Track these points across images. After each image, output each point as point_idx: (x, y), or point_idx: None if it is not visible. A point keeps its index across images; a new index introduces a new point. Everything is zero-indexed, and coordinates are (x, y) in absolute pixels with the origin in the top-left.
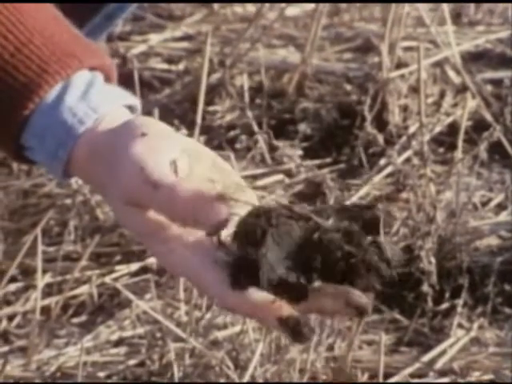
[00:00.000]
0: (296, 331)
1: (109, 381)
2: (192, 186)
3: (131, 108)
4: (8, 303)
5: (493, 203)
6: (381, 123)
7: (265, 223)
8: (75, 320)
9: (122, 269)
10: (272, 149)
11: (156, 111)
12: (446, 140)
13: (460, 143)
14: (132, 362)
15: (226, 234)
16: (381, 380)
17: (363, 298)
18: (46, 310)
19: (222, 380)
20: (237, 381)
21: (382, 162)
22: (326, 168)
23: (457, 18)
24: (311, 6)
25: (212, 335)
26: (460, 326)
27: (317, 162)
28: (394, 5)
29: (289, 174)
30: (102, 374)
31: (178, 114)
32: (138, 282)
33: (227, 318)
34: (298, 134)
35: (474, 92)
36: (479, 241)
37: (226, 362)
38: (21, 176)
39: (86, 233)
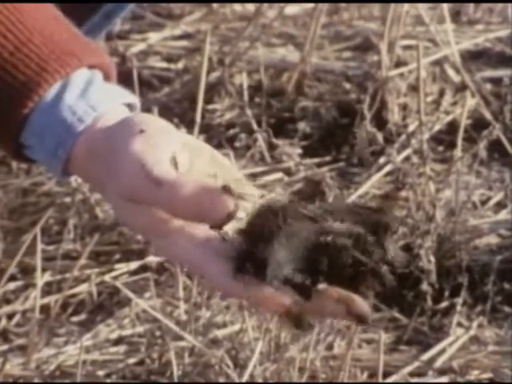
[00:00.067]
0: (298, 321)
1: (108, 380)
2: (194, 180)
3: (130, 106)
4: (7, 302)
5: (492, 202)
6: (380, 122)
7: (279, 220)
8: (75, 318)
9: (122, 267)
10: (271, 147)
11: (155, 110)
12: (445, 138)
13: (459, 142)
14: (131, 360)
15: (229, 227)
16: (380, 379)
17: (365, 308)
18: (45, 309)
19: (222, 378)
20: (236, 379)
21: (382, 160)
22: (326, 166)
23: (456, 16)
24: (310, 4)
25: (211, 334)
26: (459, 324)
27: (316, 160)
28: (393, 3)
29: (288, 172)
30: (101, 373)
31: (178, 112)
32: (138, 281)
33: (227, 316)
34: (297, 132)
35: (473, 90)
36: (479, 239)
37: (226, 361)
38: (20, 174)
39: (86, 231)
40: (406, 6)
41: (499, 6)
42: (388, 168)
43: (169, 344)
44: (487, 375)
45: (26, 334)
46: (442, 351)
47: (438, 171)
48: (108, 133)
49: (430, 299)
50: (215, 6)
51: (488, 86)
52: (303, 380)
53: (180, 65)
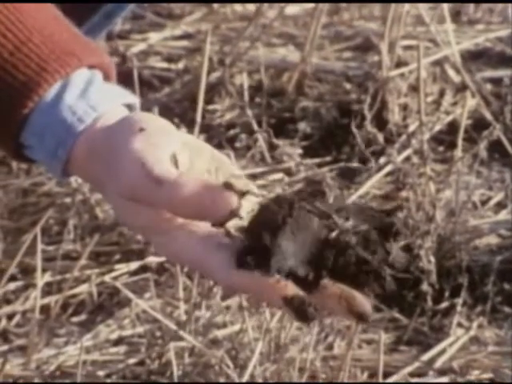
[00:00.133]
0: (300, 311)
1: (108, 380)
2: (195, 178)
3: (130, 106)
4: (7, 302)
5: (492, 202)
6: (381, 122)
7: (286, 213)
8: (75, 319)
9: (122, 268)
10: (272, 147)
11: (156, 110)
12: (445, 139)
13: (460, 142)
14: (131, 360)
15: (231, 225)
16: (380, 379)
17: (366, 306)
18: (45, 309)
19: (222, 379)
20: (236, 380)
21: (382, 160)
22: (326, 167)
23: (456, 16)
24: (311, 4)
25: (211, 334)
26: (459, 324)
27: (316, 160)
28: (393, 3)
29: (288, 172)
30: (101, 373)
31: (178, 112)
32: (138, 281)
33: (227, 316)
34: (297, 132)
35: (473, 91)
36: (479, 240)
37: (226, 361)
38: (20, 175)
39: (86, 232)
40: (407, 6)
41: (499, 5)
42: (388, 168)
43: (169, 344)
44: (487, 375)
45: (26, 334)
46: (443, 351)
47: (438, 171)
48: (108, 132)
49: (430, 299)
50: (216, 6)
51: (488, 86)
52: (303, 380)
53: (180, 65)
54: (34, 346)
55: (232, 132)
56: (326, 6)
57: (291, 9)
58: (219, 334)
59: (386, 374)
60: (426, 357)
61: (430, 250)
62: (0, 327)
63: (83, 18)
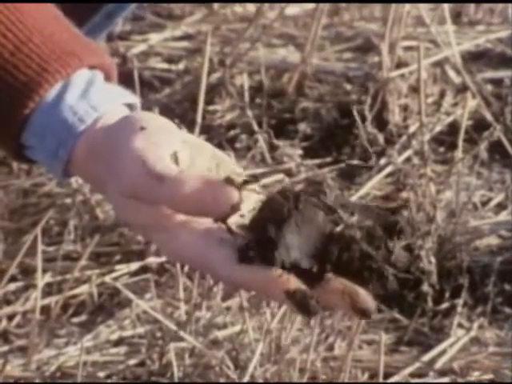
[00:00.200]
0: (303, 304)
1: (109, 380)
2: (196, 175)
3: (131, 107)
4: (8, 303)
5: (493, 203)
6: (381, 123)
7: (292, 205)
8: (75, 319)
9: (122, 268)
10: (272, 148)
11: (156, 111)
12: (446, 139)
13: (460, 143)
14: (132, 361)
15: (233, 221)
16: (381, 380)
17: (369, 303)
18: (45, 310)
19: (222, 380)
20: (237, 380)
21: (383, 161)
22: (326, 167)
23: (457, 17)
24: (311, 5)
25: (212, 335)
26: (460, 325)
27: (317, 161)
28: (394, 4)
29: (289, 173)
30: (101, 374)
31: (178, 113)
32: (138, 282)
33: (227, 317)
34: (298, 133)
35: (474, 91)
36: (479, 240)
37: (226, 362)
38: (21, 175)
39: (86, 232)
40: (407, 6)
41: (500, 6)
42: (389, 169)
43: (169, 345)
44: (488, 376)
45: (27, 334)
46: (443, 352)
47: (438, 172)
48: (109, 131)
49: (430, 300)
50: (216, 6)
51: (489, 87)
52: (304, 381)
53: (181, 66)
54: (34, 346)
55: (232, 133)
56: (326, 7)
57: (291, 9)
58: (220, 334)
59: (387, 375)
60: (426, 357)
61: (431, 250)
62: (0, 328)
63: (84, 18)
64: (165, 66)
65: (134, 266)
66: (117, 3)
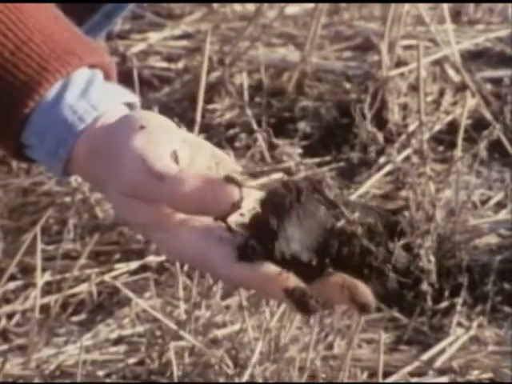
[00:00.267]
0: (301, 303)
1: (108, 379)
2: (196, 174)
3: (131, 105)
4: (7, 301)
5: (492, 202)
6: (380, 121)
7: (294, 198)
8: (74, 318)
9: (122, 267)
10: (271, 147)
11: (155, 109)
12: (445, 138)
13: (459, 142)
14: (131, 360)
15: (233, 220)
16: (380, 378)
17: (369, 297)
18: (45, 309)
19: (222, 378)
20: (236, 379)
21: (382, 160)
22: (326, 166)
23: (456, 16)
24: (311, 4)
25: (211, 334)
26: (459, 324)
27: (316, 160)
28: (393, 3)
29: (288, 172)
30: (101, 373)
31: (178, 112)
32: (138, 281)
33: (226, 316)
34: (297, 132)
35: (473, 90)
36: (479, 239)
37: (226, 361)
38: (20, 174)
39: (86, 231)
40: (407, 5)
41: (499, 5)
42: (388, 168)
43: (169, 344)
44: (487, 375)
45: (26, 333)
46: (442, 351)
47: (438, 171)
48: (108, 130)
49: (430, 299)
50: (215, 5)
51: (488, 86)
52: (303, 380)
53: (180, 64)
54: (33, 345)
55: (232, 131)
56: (325, 6)
57: (291, 9)
58: (219, 333)
59: (386, 374)
60: (425, 356)
61: (430, 249)
62: (0, 326)
63: (83, 17)
64: (164, 64)
65: (134, 264)
66: (116, 3)
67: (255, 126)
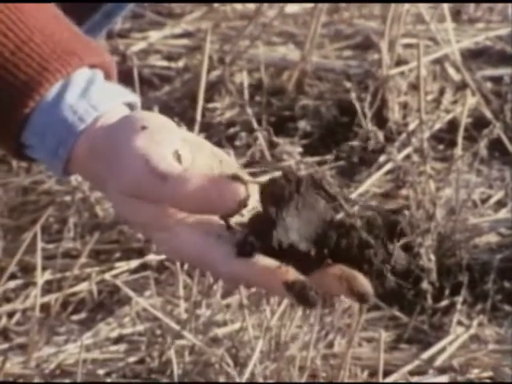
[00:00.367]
0: (302, 295)
1: (108, 378)
2: (200, 173)
3: (131, 105)
4: (8, 300)
5: (492, 200)
6: (381, 120)
7: (293, 188)
8: (75, 317)
9: (122, 266)
10: (272, 146)
11: (156, 108)
12: (445, 137)
13: (460, 140)
14: (132, 359)
15: (233, 220)
16: (380, 377)
17: (367, 287)
18: (45, 307)
19: (222, 377)
20: (236, 378)
21: (382, 158)
22: (326, 165)
23: (456, 15)
24: (311, 3)
25: (212, 332)
26: (459, 323)
27: (317, 158)
28: (393, 2)
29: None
30: (101, 372)
31: (178, 111)
32: (138, 279)
33: (227, 315)
34: (297, 131)
35: (473, 89)
36: (479, 238)
37: (226, 360)
38: (20, 173)
39: (86, 230)
40: (407, 4)
41: (499, 4)
42: (388, 166)
43: (169, 343)
44: (487, 374)
45: (27, 332)
46: (443, 350)
47: (438, 170)
48: (109, 130)
49: (430, 298)
50: (216, 4)
51: (488, 85)
52: (303, 379)
53: (180, 63)
54: (34, 344)
55: (232, 130)
56: (325, 5)
57: (291, 7)
58: (219, 332)
59: (386, 373)
60: (426, 355)
61: (430, 248)
62: (0, 325)
63: (83, 17)
64: (164, 63)
65: (134, 263)
66: (116, 2)
67: (255, 125)
